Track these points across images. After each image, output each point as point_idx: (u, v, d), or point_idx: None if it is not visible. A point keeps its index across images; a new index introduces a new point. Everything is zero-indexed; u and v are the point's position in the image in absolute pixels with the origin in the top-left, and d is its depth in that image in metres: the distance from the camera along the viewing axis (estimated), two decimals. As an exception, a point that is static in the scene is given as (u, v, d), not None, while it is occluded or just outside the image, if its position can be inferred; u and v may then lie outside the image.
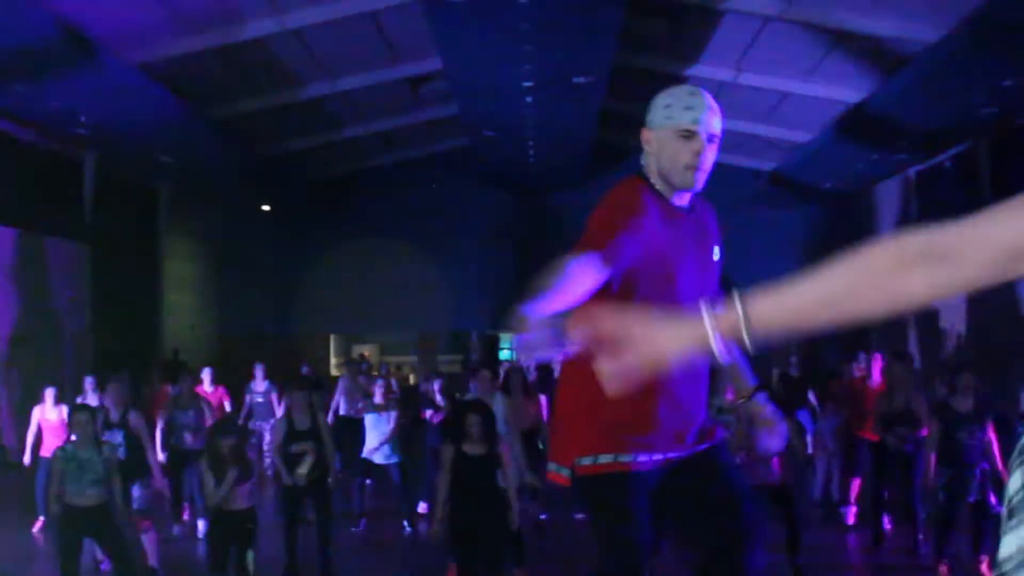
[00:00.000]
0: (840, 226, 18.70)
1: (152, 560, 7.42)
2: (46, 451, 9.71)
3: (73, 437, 6.52)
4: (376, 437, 9.41)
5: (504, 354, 20.82)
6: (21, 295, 12.86)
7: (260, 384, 12.38)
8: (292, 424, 7.29)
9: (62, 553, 6.34)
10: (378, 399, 9.64)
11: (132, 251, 16.20)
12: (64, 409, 10.01)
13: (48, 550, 8.98)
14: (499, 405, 7.26)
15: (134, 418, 7.77)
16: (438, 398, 10.32)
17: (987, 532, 7.18)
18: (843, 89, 13.48)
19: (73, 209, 14.42)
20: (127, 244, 15.95)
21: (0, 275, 12.47)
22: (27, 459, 9.91)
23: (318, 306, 19.84)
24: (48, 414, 9.85)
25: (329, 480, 7.24)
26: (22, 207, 12.94)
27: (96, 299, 14.71)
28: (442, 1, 9.77)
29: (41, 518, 9.51)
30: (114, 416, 7.73)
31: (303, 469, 7.10)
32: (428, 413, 10.25)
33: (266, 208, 19.32)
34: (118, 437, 7.60)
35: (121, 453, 7.44)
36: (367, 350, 20.98)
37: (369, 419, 9.50)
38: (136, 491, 7.56)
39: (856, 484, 9.46)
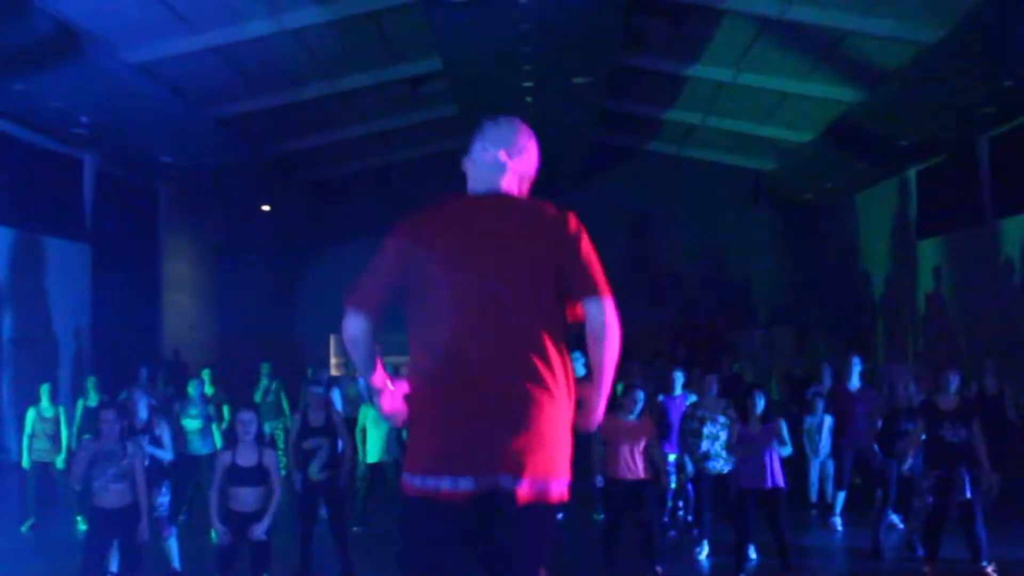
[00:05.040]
0: (840, 225, 18.72)
1: (176, 563, 7.46)
2: (35, 454, 9.74)
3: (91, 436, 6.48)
4: (378, 436, 9.43)
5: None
6: (21, 295, 12.85)
7: (270, 384, 12.38)
8: (307, 420, 7.33)
9: (87, 555, 6.27)
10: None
11: (132, 251, 16.19)
12: (60, 408, 10.04)
13: (40, 547, 9.02)
14: None
15: (160, 425, 7.79)
16: None
17: (982, 536, 7.09)
18: (842, 89, 13.47)
19: (73, 209, 14.41)
20: (127, 244, 15.94)
21: (0, 275, 12.45)
22: (25, 462, 9.92)
23: (318, 306, 19.79)
24: (44, 412, 9.85)
25: (332, 475, 7.25)
26: (22, 207, 12.94)
27: (96, 299, 14.70)
28: (442, 1, 9.77)
29: (31, 520, 9.58)
30: (139, 422, 7.66)
31: (315, 465, 7.15)
32: None
33: (266, 208, 19.31)
34: (143, 442, 7.57)
35: (146, 459, 7.48)
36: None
37: (370, 418, 9.50)
38: (160, 497, 7.56)
39: (842, 497, 9.40)
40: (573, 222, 2.88)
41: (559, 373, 2.76)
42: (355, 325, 2.88)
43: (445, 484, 2.67)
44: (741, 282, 19.79)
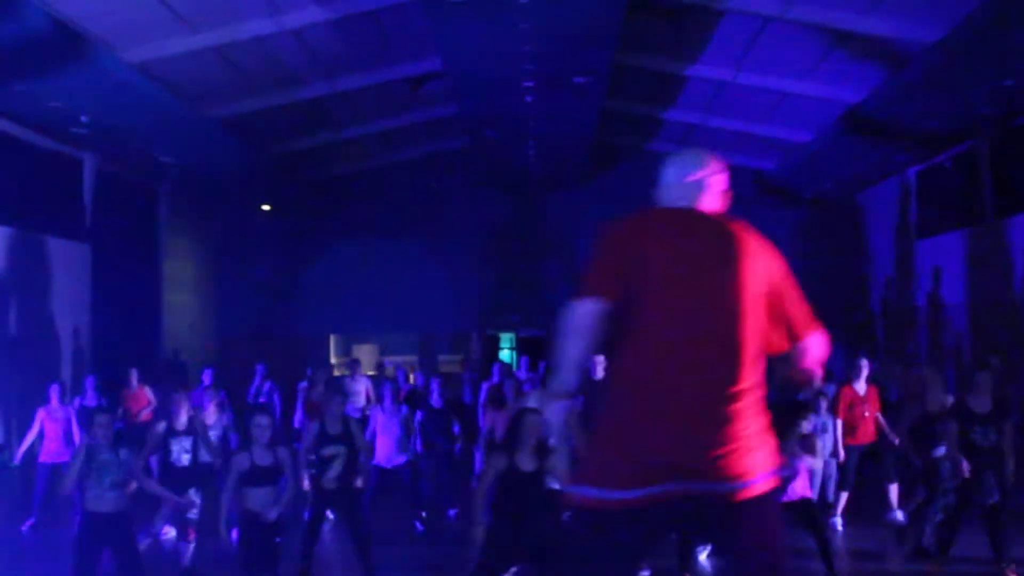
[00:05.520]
0: (840, 225, 18.72)
1: (186, 561, 7.47)
2: (45, 455, 9.73)
3: (85, 439, 6.47)
4: (386, 440, 9.41)
5: (503, 354, 20.80)
6: (21, 295, 12.85)
7: (262, 384, 12.38)
8: (324, 428, 7.33)
9: (78, 563, 6.24)
10: (388, 402, 9.64)
11: (132, 251, 16.20)
12: (71, 410, 10.04)
13: (39, 548, 9.01)
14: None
15: (200, 426, 7.85)
16: (435, 399, 10.18)
17: (1007, 538, 7.04)
18: (843, 89, 13.47)
19: (73, 209, 14.42)
20: (127, 244, 15.95)
21: (0, 275, 12.46)
22: (18, 457, 9.91)
23: (318, 306, 19.83)
24: (54, 412, 9.86)
25: (359, 483, 7.26)
26: (22, 207, 12.94)
27: (96, 299, 14.71)
28: (442, 1, 9.77)
29: (31, 519, 9.58)
30: (180, 425, 7.74)
31: (331, 473, 7.13)
32: (418, 417, 10.10)
33: (266, 208, 19.32)
34: (187, 444, 7.68)
35: (187, 460, 7.63)
36: (367, 350, 20.97)
37: (380, 422, 9.49)
38: (196, 499, 7.56)
39: (844, 497, 9.37)
40: (776, 250, 3.10)
41: (758, 385, 2.91)
42: (589, 307, 2.81)
43: (651, 491, 2.78)
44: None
